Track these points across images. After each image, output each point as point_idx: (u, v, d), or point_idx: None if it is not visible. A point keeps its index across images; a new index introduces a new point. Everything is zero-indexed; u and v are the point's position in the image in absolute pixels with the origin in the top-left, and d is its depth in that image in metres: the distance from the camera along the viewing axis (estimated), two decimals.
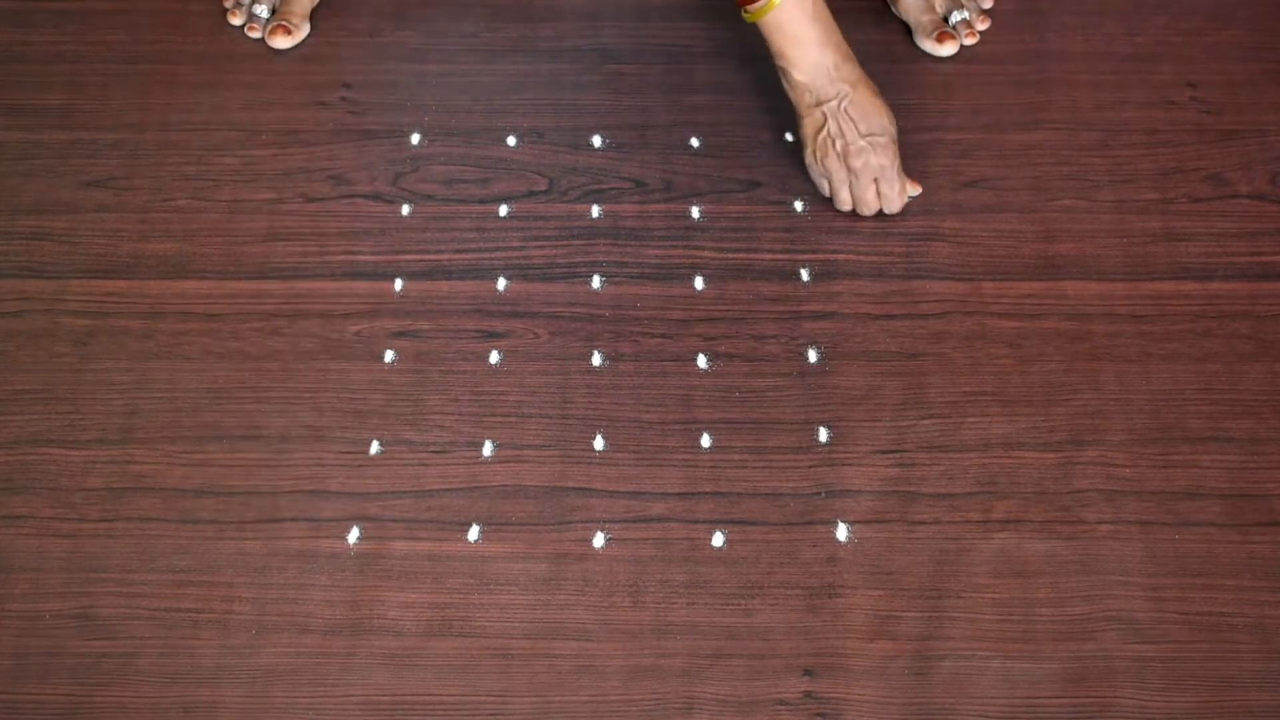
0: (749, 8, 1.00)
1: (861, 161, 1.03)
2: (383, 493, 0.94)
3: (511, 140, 1.15)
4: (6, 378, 1.00)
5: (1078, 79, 1.18)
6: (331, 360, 1.01)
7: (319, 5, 1.24)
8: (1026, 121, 1.15)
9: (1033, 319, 1.03)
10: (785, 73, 1.03)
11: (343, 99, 1.18)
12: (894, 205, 1.06)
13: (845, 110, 1.02)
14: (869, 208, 1.06)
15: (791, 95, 1.05)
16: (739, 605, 0.90)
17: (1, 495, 0.95)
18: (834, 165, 1.04)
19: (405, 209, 1.10)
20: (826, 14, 1.02)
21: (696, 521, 0.93)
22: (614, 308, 1.04)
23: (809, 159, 1.06)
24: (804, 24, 1.00)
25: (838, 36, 1.02)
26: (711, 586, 0.90)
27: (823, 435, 0.97)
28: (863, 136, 1.02)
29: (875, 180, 1.04)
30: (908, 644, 0.88)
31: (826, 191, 1.07)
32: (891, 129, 1.04)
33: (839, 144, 1.03)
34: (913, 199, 1.07)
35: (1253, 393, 0.99)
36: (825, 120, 1.03)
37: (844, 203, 1.06)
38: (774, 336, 1.02)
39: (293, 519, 0.93)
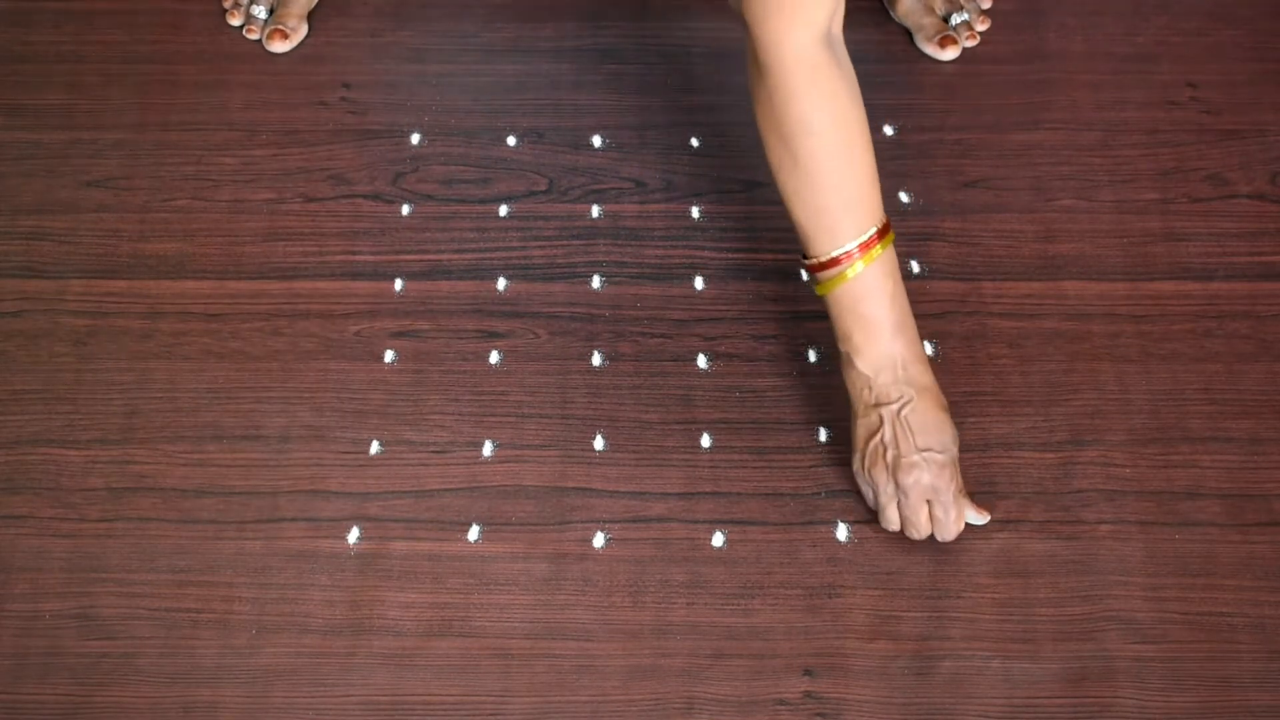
0: (820, 275, 0.87)
1: (913, 479, 0.87)
2: (383, 493, 0.94)
3: (511, 140, 1.15)
4: (6, 378, 1.00)
5: (1078, 79, 1.18)
6: (331, 360, 1.01)
7: (318, 5, 1.24)
8: (1026, 121, 1.15)
9: (1033, 319, 1.03)
10: (849, 359, 0.88)
11: (343, 99, 1.18)
12: (948, 533, 0.89)
13: (904, 418, 0.87)
14: (919, 531, 0.89)
15: (850, 389, 0.89)
16: (739, 605, 0.90)
17: (1, 495, 0.95)
18: (882, 478, 0.88)
19: (405, 209, 1.10)
20: (904, 302, 0.88)
21: (696, 521, 0.93)
22: (614, 308, 1.04)
23: (856, 465, 0.90)
24: (881, 306, 0.86)
25: (912, 332, 0.88)
26: (711, 586, 0.90)
27: (823, 435, 0.97)
28: (918, 451, 0.87)
29: (928, 502, 0.89)
30: (908, 644, 0.88)
31: (871, 503, 0.91)
32: (953, 448, 0.88)
33: (890, 454, 0.87)
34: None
35: (1253, 393, 0.99)
36: (880, 425, 0.87)
37: (890, 522, 0.90)
38: (774, 336, 1.02)
39: (293, 519, 0.93)
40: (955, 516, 0.89)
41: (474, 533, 0.93)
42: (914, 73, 1.19)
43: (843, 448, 0.96)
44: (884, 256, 0.86)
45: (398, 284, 1.05)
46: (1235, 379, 0.99)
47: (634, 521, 0.93)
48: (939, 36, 1.19)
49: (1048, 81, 1.18)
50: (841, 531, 0.92)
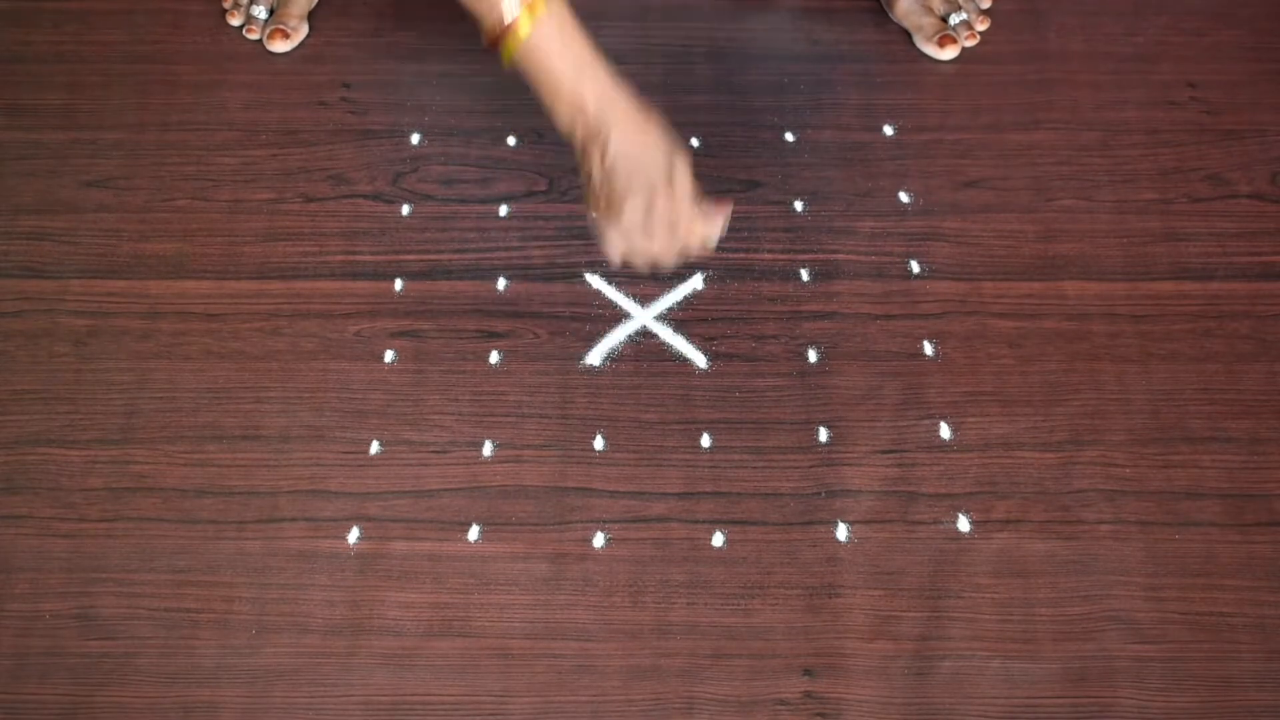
0: (500, 48, 0.87)
1: (627, 217, 0.88)
2: (383, 493, 0.94)
3: (511, 140, 1.15)
4: (6, 378, 1.00)
5: (1078, 79, 1.18)
6: (331, 360, 1.01)
7: (318, 5, 1.24)
8: (1026, 121, 1.15)
9: (1033, 319, 1.03)
10: (551, 113, 0.89)
11: (343, 99, 1.18)
12: (689, 246, 0.91)
13: (609, 154, 0.88)
14: (662, 261, 0.91)
15: (564, 136, 0.90)
16: (739, 605, 0.90)
17: (1, 495, 0.95)
18: (609, 222, 0.89)
19: (405, 209, 1.10)
20: (582, 46, 0.88)
21: (696, 521, 0.93)
22: (614, 308, 1.04)
23: (589, 207, 0.91)
24: (555, 57, 0.87)
25: (596, 70, 0.88)
26: (711, 586, 0.90)
27: (823, 435, 0.97)
28: (630, 180, 0.88)
29: (659, 227, 0.89)
30: (908, 644, 0.88)
31: (615, 256, 0.91)
32: (663, 174, 0.88)
33: (609, 187, 0.88)
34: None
35: (1253, 393, 0.99)
36: (591, 166, 0.89)
37: (635, 261, 0.91)
38: (774, 336, 1.02)
39: (293, 519, 0.93)
40: (684, 232, 0.90)
41: (474, 533, 0.93)
42: (914, 73, 1.19)
43: (843, 448, 0.96)
44: (549, 13, 0.87)
45: (398, 284, 1.05)
46: (1235, 379, 0.99)
47: (634, 521, 0.93)
48: (938, 36, 1.19)
49: (1048, 81, 1.18)
50: (841, 531, 0.92)
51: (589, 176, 0.89)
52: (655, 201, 0.88)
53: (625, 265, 0.91)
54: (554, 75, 0.88)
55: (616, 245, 0.90)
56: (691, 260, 1.06)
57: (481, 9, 0.88)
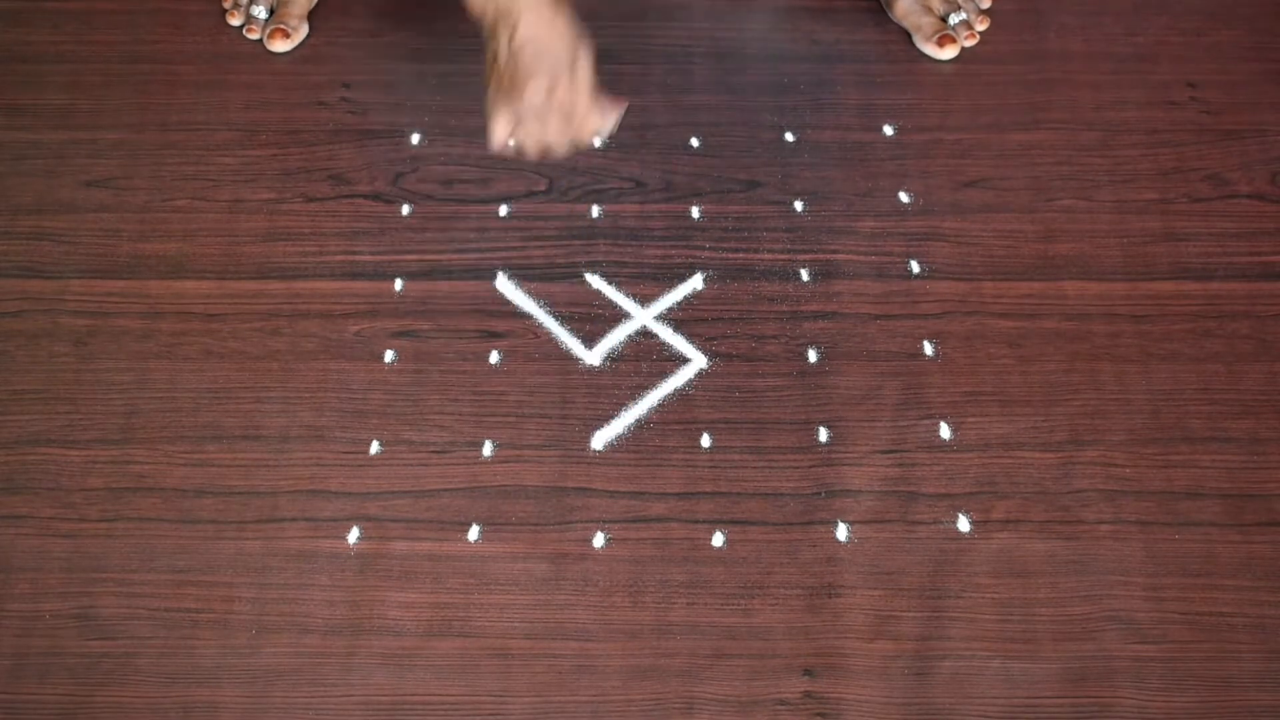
0: None
1: (528, 99, 0.92)
2: (383, 493, 0.94)
3: (511, 140, 1.14)
4: (6, 378, 1.00)
5: (1078, 79, 1.18)
6: (331, 360, 1.01)
7: (318, 5, 1.24)
8: (1026, 121, 1.15)
9: (1033, 319, 1.03)
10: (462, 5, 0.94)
11: (343, 99, 1.18)
12: (583, 135, 0.96)
13: (516, 40, 0.91)
14: (554, 148, 0.95)
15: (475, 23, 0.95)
16: (739, 605, 0.90)
17: (1, 495, 0.95)
18: (506, 102, 0.93)
19: (405, 209, 1.10)
20: None
21: (696, 521, 0.93)
22: (614, 308, 1.04)
23: (486, 93, 0.95)
24: None
25: None
26: (711, 586, 0.90)
27: (823, 435, 0.97)
28: (529, 72, 0.92)
29: (557, 112, 0.94)
30: (908, 644, 0.88)
31: (500, 136, 0.95)
32: (567, 61, 0.93)
33: (506, 79, 0.93)
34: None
35: (1253, 393, 0.99)
36: (497, 51, 0.93)
37: (527, 146, 0.95)
38: (774, 336, 1.02)
39: (293, 519, 0.93)
40: (580, 120, 0.94)
41: (474, 533, 0.93)
42: (913, 73, 1.19)
43: (843, 448, 0.96)
44: None
45: (398, 284, 1.05)
46: (1235, 379, 0.99)
47: (634, 521, 0.93)
48: (937, 36, 1.19)
49: (1048, 81, 1.18)
50: (841, 531, 0.92)
51: (494, 55, 0.92)
52: (557, 86, 0.92)
53: (511, 146, 0.95)
54: None
55: (506, 126, 0.94)
56: (692, 261, 1.07)
57: None
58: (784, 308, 1.04)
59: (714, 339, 1.02)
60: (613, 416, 0.98)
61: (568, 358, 1.01)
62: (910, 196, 1.10)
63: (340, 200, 1.11)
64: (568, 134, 0.95)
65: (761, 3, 1.25)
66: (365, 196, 1.11)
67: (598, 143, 0.96)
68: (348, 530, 0.93)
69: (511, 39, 0.91)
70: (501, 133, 0.95)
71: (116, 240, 1.08)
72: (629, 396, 0.99)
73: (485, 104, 0.96)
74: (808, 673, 0.87)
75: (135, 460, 0.96)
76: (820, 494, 0.94)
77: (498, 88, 0.93)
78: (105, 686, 0.87)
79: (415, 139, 1.15)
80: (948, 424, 0.97)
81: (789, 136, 1.14)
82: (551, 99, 0.92)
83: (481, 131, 1.14)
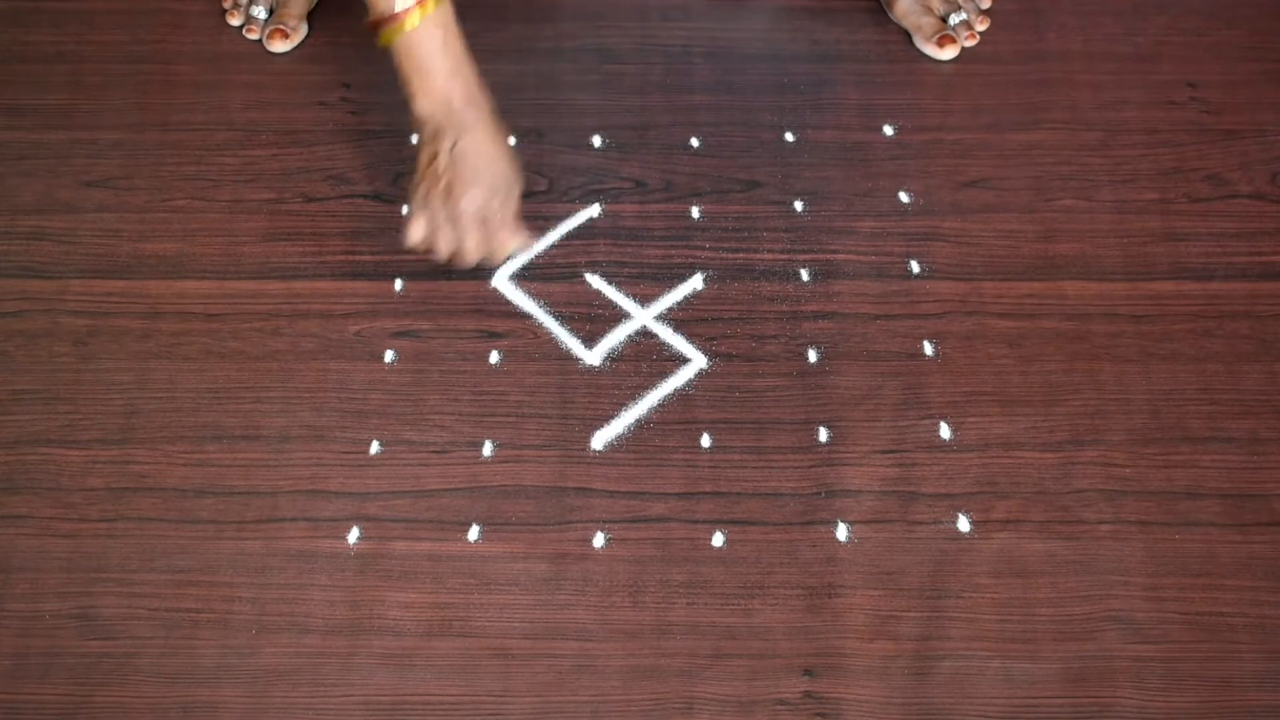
0: (382, 29, 0.95)
1: (464, 203, 0.97)
2: (383, 493, 0.94)
3: (511, 140, 1.14)
4: (6, 378, 1.00)
5: (1078, 79, 1.18)
6: (331, 360, 1.01)
7: (318, 5, 1.24)
8: (1026, 121, 1.15)
9: (1033, 319, 1.03)
10: (411, 100, 0.98)
11: (343, 99, 1.18)
12: (494, 257, 1.00)
13: (458, 152, 0.96)
14: (468, 258, 0.99)
15: (416, 126, 0.99)
16: (739, 605, 0.90)
17: (1, 495, 0.95)
18: (436, 204, 0.97)
19: (405, 209, 1.10)
20: (459, 49, 0.97)
21: (696, 521, 0.93)
22: (614, 308, 1.04)
23: (412, 190, 0.99)
24: (434, 53, 0.95)
25: (468, 74, 0.97)
26: (711, 586, 0.90)
27: (823, 435, 0.97)
28: (469, 182, 0.97)
29: (482, 223, 0.98)
30: (908, 644, 0.88)
31: (417, 235, 0.99)
32: (506, 179, 0.98)
33: (444, 181, 0.97)
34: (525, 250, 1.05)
35: (1253, 393, 0.99)
36: (436, 155, 0.97)
37: (441, 248, 0.99)
38: (774, 336, 1.02)
39: (293, 519, 0.93)
40: (503, 238, 0.99)
41: (474, 533, 0.93)
42: (913, 73, 1.19)
43: (843, 448, 0.96)
44: (437, 12, 0.95)
45: (398, 284, 1.05)
46: (1235, 379, 0.99)
47: (634, 521, 0.93)
48: (937, 36, 1.19)
49: (1048, 81, 1.18)
50: (841, 531, 0.92)
51: (431, 158, 0.97)
52: (494, 197, 0.97)
53: (422, 248, 0.99)
54: (429, 69, 0.96)
55: (424, 227, 0.98)
56: (692, 261, 1.07)
57: None
58: (784, 308, 1.04)
59: (714, 339, 1.02)
60: (613, 416, 0.98)
61: (568, 358, 1.01)
62: (910, 196, 1.10)
63: (340, 200, 1.11)
64: (483, 249, 0.99)
65: (761, 3, 1.25)
66: (365, 196, 1.11)
67: (501, 259, 1.02)
68: (348, 530, 0.93)
69: (454, 147, 0.96)
70: (417, 232, 0.99)
71: (116, 240, 1.08)
72: (629, 396, 0.99)
73: (409, 200, 0.99)
74: (808, 673, 0.87)
75: (135, 460, 0.96)
76: (820, 494, 0.94)
77: (428, 189, 0.97)
78: (105, 686, 0.87)
79: (415, 139, 1.14)
80: (948, 424, 0.97)
81: (789, 136, 1.14)
82: (480, 212, 0.97)
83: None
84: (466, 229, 0.98)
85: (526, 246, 1.03)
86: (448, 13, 0.96)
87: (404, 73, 0.97)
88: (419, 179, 0.98)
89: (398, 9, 0.94)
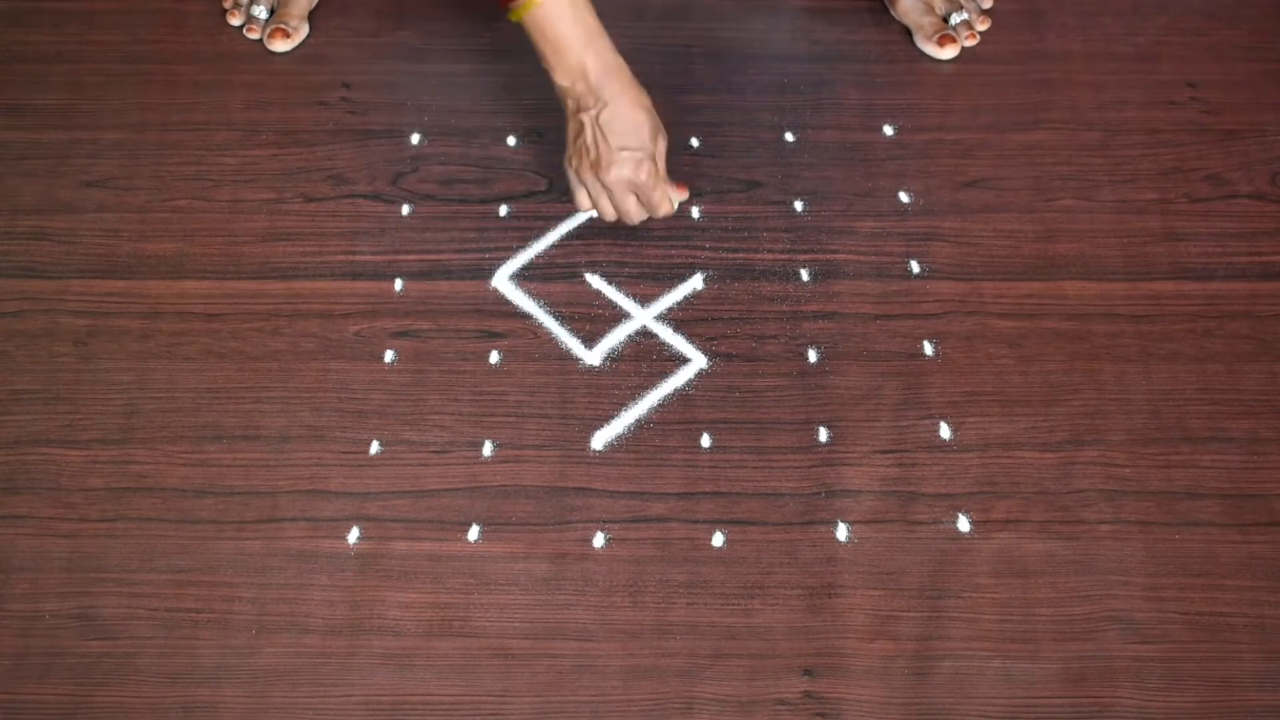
0: (510, 5, 0.96)
1: (614, 175, 0.99)
2: (383, 493, 0.94)
3: (511, 140, 1.15)
4: (6, 378, 1.00)
5: (1078, 79, 1.18)
6: (331, 360, 1.01)
7: (318, 5, 1.24)
8: (1026, 121, 1.15)
9: (1033, 319, 1.03)
10: (549, 76, 0.99)
11: (343, 99, 1.18)
12: (656, 213, 1.03)
13: (602, 122, 0.97)
14: (630, 218, 1.03)
15: (559, 99, 1.00)
16: (739, 605, 0.90)
17: (1, 495, 0.95)
18: (588, 176, 1.00)
19: (405, 209, 1.10)
20: (592, 19, 0.97)
21: (696, 521, 0.93)
22: (614, 308, 1.04)
23: (567, 164, 1.02)
24: (566, 26, 0.95)
25: (602, 43, 0.97)
26: (711, 586, 0.90)
27: (823, 435, 0.97)
28: (616, 150, 0.98)
29: (633, 194, 1.01)
30: (908, 644, 0.88)
31: (585, 203, 1.03)
32: (651, 145, 0.99)
33: (592, 155, 0.99)
34: (685, 203, 1.07)
35: (1253, 393, 0.99)
36: (582, 129, 0.98)
37: (606, 213, 1.02)
38: (774, 336, 1.02)
39: (293, 519, 0.93)
40: (658, 199, 1.02)
41: (474, 533, 0.93)
42: (914, 72, 1.19)
43: (843, 448, 0.96)
44: None
45: (398, 284, 1.05)
46: (1235, 379, 0.99)
47: (634, 521, 0.93)
48: (938, 35, 1.19)
49: (1048, 81, 1.18)
50: (841, 531, 0.92)
51: (578, 132, 0.99)
52: (641, 165, 0.99)
53: (591, 210, 1.03)
54: (563, 42, 0.96)
55: (589, 196, 1.02)
56: (692, 261, 1.07)
57: None
58: (784, 308, 1.04)
59: (714, 339, 1.02)
60: (613, 416, 0.98)
61: (568, 358, 1.01)
62: (910, 196, 1.10)
63: (340, 200, 1.11)
64: (642, 211, 1.02)
65: (761, 3, 1.25)
66: (365, 196, 1.11)
67: (665, 215, 1.05)
68: (348, 530, 0.93)
69: (599, 118, 0.97)
70: (584, 200, 1.02)
71: (116, 240, 1.08)
72: (629, 396, 0.99)
73: (568, 173, 1.01)
74: (808, 673, 0.87)
75: (135, 460, 0.96)
76: (820, 494, 0.94)
77: (580, 162, 1.00)
78: (105, 686, 0.87)
79: (415, 139, 1.15)
80: (948, 424, 0.97)
81: (789, 136, 1.14)
82: (636, 175, 0.99)
83: (480, 131, 1.15)
84: (624, 196, 1.00)
85: (679, 200, 1.05)
86: None
87: (537, 48, 0.97)
88: (570, 153, 1.00)
89: None
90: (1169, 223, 1.08)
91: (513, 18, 0.96)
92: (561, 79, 0.98)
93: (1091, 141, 1.14)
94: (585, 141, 0.98)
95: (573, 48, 0.96)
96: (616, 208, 1.02)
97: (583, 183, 1.01)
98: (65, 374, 1.01)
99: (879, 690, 0.86)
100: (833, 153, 1.13)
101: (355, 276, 1.06)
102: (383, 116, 1.16)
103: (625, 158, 0.98)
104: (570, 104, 0.99)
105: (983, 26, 1.21)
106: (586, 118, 0.98)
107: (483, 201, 1.10)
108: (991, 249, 1.07)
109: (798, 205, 1.10)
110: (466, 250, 1.07)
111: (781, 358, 1.01)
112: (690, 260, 1.07)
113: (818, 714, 0.85)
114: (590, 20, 0.97)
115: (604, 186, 1.00)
